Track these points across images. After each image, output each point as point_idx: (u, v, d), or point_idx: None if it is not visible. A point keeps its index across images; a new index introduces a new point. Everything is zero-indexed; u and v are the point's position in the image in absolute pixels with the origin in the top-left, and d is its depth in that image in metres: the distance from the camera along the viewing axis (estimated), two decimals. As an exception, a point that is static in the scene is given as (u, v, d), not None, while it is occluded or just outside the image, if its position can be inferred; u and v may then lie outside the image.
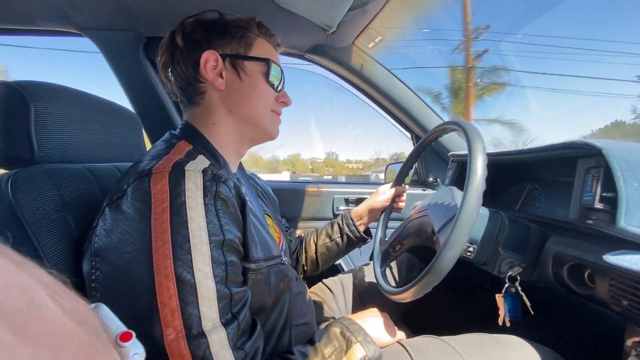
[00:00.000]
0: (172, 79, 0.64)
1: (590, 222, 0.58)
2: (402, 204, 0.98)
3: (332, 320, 0.63)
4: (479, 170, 0.56)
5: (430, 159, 1.42)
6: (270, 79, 0.64)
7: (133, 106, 1.12)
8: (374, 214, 0.97)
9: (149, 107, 1.11)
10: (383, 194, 0.97)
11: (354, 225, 0.95)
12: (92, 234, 0.47)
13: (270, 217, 0.77)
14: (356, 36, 1.06)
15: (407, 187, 0.98)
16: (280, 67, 0.67)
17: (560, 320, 0.83)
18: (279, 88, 0.67)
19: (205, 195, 0.46)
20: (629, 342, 0.59)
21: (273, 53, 0.67)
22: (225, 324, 0.44)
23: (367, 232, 0.98)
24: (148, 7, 0.97)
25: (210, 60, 0.60)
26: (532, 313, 0.69)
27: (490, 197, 0.94)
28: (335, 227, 0.97)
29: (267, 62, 0.63)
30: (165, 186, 0.45)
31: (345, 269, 1.35)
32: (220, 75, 0.61)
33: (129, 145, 0.80)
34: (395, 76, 1.21)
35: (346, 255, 1.40)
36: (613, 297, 0.56)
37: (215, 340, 0.42)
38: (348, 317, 0.65)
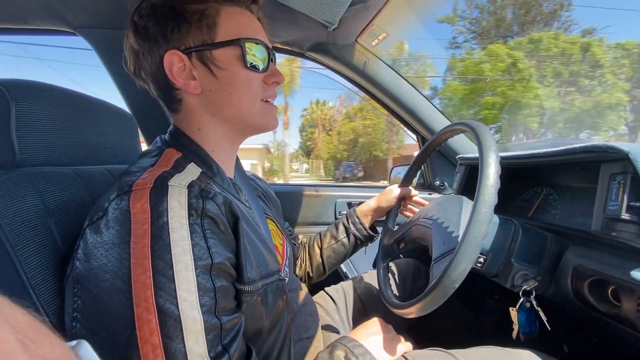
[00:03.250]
0: (148, 84, 0.56)
1: (616, 234, 0.53)
2: (410, 206, 0.95)
3: (334, 335, 0.59)
4: (491, 176, 0.51)
5: (437, 162, 1.36)
6: (249, 62, 0.53)
7: (128, 106, 1.09)
8: (380, 212, 0.93)
9: (144, 107, 1.07)
10: (391, 193, 0.92)
11: (361, 224, 0.91)
12: (74, 257, 0.43)
13: (273, 220, 0.73)
14: (359, 33, 1.02)
15: (415, 191, 0.94)
16: (259, 40, 0.54)
17: (580, 337, 0.77)
18: (265, 67, 0.55)
19: (190, 215, 0.42)
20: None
21: (246, 21, 0.55)
22: (215, 359, 0.39)
23: (373, 228, 0.94)
24: (143, 5, 0.94)
25: (174, 62, 0.51)
26: (550, 329, 0.64)
27: (500, 203, 0.89)
28: (341, 227, 0.92)
29: (238, 43, 0.52)
30: (146, 205, 0.40)
31: (349, 276, 1.30)
32: (192, 76, 0.52)
33: (123, 146, 0.76)
34: (400, 75, 1.17)
35: (349, 262, 1.36)
36: (642, 317, 0.51)
37: None
38: (351, 336, 0.60)
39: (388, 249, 0.88)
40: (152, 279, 0.38)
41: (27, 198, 0.50)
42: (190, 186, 0.44)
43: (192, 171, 0.49)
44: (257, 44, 0.54)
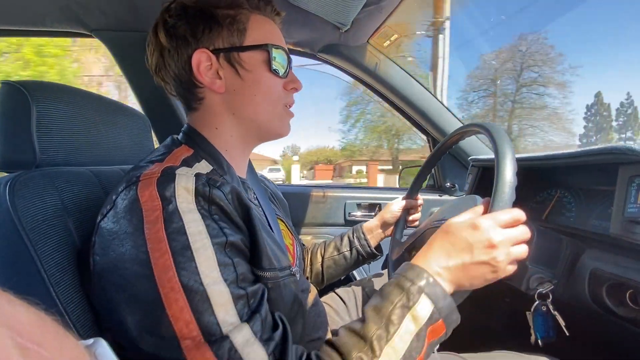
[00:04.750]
0: (169, 82, 0.58)
1: (636, 236, 0.52)
2: (416, 216, 0.91)
3: None
4: (508, 178, 0.51)
5: (447, 163, 1.35)
6: (273, 67, 0.56)
7: (142, 107, 1.11)
8: (385, 228, 0.91)
9: (158, 108, 1.09)
10: (395, 206, 0.90)
11: (365, 239, 0.89)
12: (92, 253, 0.44)
13: (283, 222, 0.73)
14: (371, 35, 1.02)
15: (421, 199, 0.91)
16: (282, 47, 0.58)
17: (599, 342, 0.76)
18: (285, 73, 0.59)
19: (197, 201, 0.43)
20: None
21: (271, 29, 0.59)
22: (248, 320, 0.40)
23: (378, 248, 0.92)
24: (158, 8, 0.95)
25: (202, 61, 0.54)
26: (567, 334, 0.63)
27: (514, 205, 0.88)
28: (345, 239, 0.92)
29: (266, 48, 0.55)
30: (154, 192, 0.41)
31: (358, 278, 1.30)
32: (218, 75, 0.55)
33: (137, 147, 0.78)
34: (412, 76, 1.16)
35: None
36: (662, 322, 0.50)
37: (240, 340, 0.39)
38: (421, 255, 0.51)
39: (399, 260, 0.84)
40: (172, 260, 0.39)
41: (47, 197, 0.51)
42: (197, 175, 0.45)
43: (202, 167, 0.51)
44: (281, 51, 0.57)
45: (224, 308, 0.39)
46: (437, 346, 0.48)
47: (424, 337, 0.43)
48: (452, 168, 1.34)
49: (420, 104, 1.19)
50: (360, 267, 1.34)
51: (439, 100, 1.21)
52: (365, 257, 0.90)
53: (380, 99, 1.25)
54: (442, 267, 0.47)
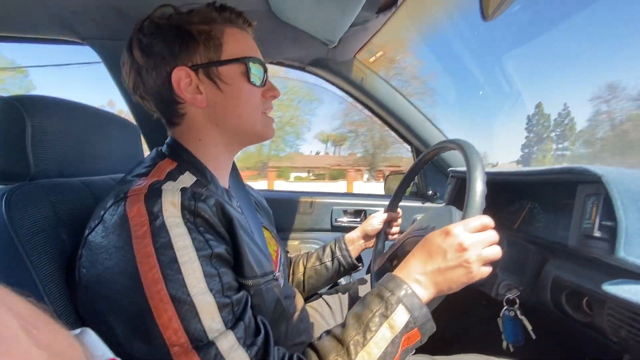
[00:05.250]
0: (148, 99, 0.59)
1: (590, 250, 0.58)
2: (396, 229, 0.94)
3: None
4: (478, 188, 0.55)
5: (430, 172, 1.41)
6: (251, 78, 0.58)
7: (134, 116, 1.12)
8: (367, 239, 0.94)
9: (149, 117, 1.09)
10: (376, 219, 0.93)
11: (346, 250, 0.91)
12: (79, 265, 0.46)
13: (267, 229, 0.75)
14: (357, 50, 1.06)
15: (400, 212, 0.95)
16: (258, 58, 0.60)
17: (562, 346, 0.82)
18: (263, 82, 0.61)
19: (183, 215, 0.45)
20: (627, 373, 0.58)
21: (245, 40, 0.60)
22: (232, 328, 0.43)
23: (359, 259, 0.94)
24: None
25: (182, 78, 0.55)
26: (534, 337, 0.69)
27: (488, 215, 0.93)
28: (327, 250, 0.94)
29: (243, 61, 0.57)
30: (142, 209, 0.43)
31: (344, 282, 1.34)
32: (198, 90, 0.56)
33: (127, 156, 0.80)
34: (397, 90, 1.21)
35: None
36: (611, 326, 0.56)
37: (225, 346, 0.41)
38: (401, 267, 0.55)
39: (381, 270, 0.87)
40: (160, 273, 0.41)
41: (42, 209, 0.53)
42: (183, 190, 0.47)
43: (186, 180, 0.52)
44: (256, 62, 0.59)
45: (210, 316, 0.42)
46: (413, 351, 0.51)
47: (399, 344, 0.47)
48: (434, 177, 1.40)
49: (404, 116, 1.25)
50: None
51: (422, 112, 1.27)
52: (346, 267, 0.92)
53: (367, 111, 1.30)
54: (420, 274, 0.51)
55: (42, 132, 0.57)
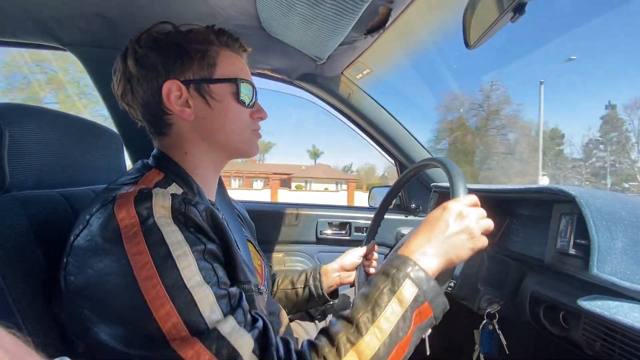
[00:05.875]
0: (135, 107, 0.60)
1: (565, 266, 0.61)
2: (374, 263, 0.91)
3: None
4: (462, 182, 0.58)
5: (414, 186, 1.44)
6: (241, 98, 0.60)
7: (116, 125, 1.10)
8: (345, 273, 0.91)
9: (132, 126, 1.07)
10: (354, 253, 0.91)
11: (319, 281, 0.88)
12: (65, 274, 0.44)
13: (251, 243, 0.75)
14: (345, 67, 1.09)
15: (377, 246, 0.92)
16: (249, 81, 0.62)
17: (539, 358, 0.84)
18: (252, 104, 0.63)
19: (174, 217, 0.45)
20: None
21: (239, 64, 0.63)
22: (232, 313, 0.43)
23: (334, 293, 0.91)
24: (137, 27, 0.96)
25: (173, 90, 0.56)
26: (507, 352, 0.71)
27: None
28: (302, 276, 0.91)
29: (235, 82, 0.59)
30: (132, 210, 0.43)
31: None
32: (187, 104, 0.57)
33: (108, 166, 0.77)
34: (382, 107, 1.25)
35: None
36: (586, 340, 0.58)
37: (227, 329, 0.41)
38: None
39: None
40: (154, 269, 0.40)
41: (16, 224, 0.50)
42: (173, 195, 0.47)
43: (173, 190, 0.52)
44: (248, 84, 0.61)
45: (210, 307, 0.41)
46: (429, 331, 0.52)
47: (410, 319, 0.47)
48: (417, 190, 1.44)
49: (389, 132, 1.28)
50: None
51: (407, 129, 1.30)
52: (316, 298, 0.88)
53: (353, 125, 1.32)
54: (425, 246, 0.52)
55: (21, 142, 0.55)
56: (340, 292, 1.04)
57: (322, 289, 0.87)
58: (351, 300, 0.86)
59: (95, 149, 0.73)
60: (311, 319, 0.97)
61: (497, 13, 0.45)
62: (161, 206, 0.45)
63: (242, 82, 0.60)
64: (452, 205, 0.55)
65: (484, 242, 0.54)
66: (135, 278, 0.40)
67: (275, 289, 0.91)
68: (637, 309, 0.52)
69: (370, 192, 1.68)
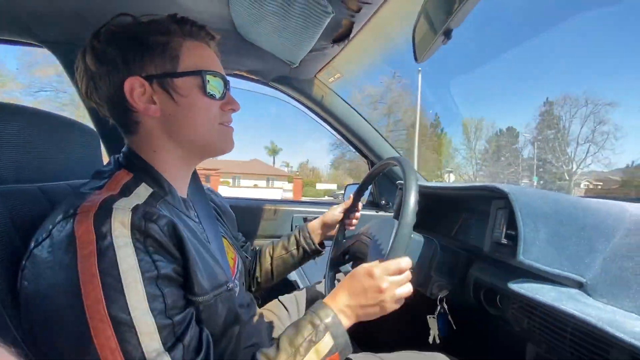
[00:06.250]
0: (102, 105, 0.59)
1: (499, 254, 0.69)
2: (354, 222, 1.03)
3: None
4: (402, 239, 0.63)
5: (383, 184, 1.53)
6: (208, 91, 0.57)
7: (93, 122, 1.11)
8: (327, 228, 1.01)
9: (109, 123, 1.09)
10: (335, 209, 1.02)
11: (310, 238, 0.98)
12: (21, 277, 0.45)
13: (226, 238, 0.77)
14: (317, 71, 1.15)
15: (360, 205, 1.04)
16: (217, 72, 0.59)
17: (482, 337, 0.94)
18: (222, 96, 0.60)
19: (133, 234, 0.44)
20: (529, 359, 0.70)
21: (205, 54, 0.60)
22: (170, 349, 0.43)
23: (322, 244, 1.02)
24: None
25: (135, 87, 0.54)
26: (455, 328, 0.79)
27: (431, 223, 1.05)
28: (292, 239, 1.00)
29: (199, 74, 0.57)
30: (90, 227, 0.43)
31: (301, 286, 1.40)
32: (152, 100, 0.55)
33: (85, 162, 0.80)
34: (354, 108, 1.32)
35: (302, 272, 1.46)
36: (515, 319, 0.67)
37: None
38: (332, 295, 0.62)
39: (336, 259, 0.98)
40: (102, 293, 0.41)
41: None
42: (134, 209, 0.46)
43: (140, 194, 0.52)
44: (215, 75, 0.59)
45: (150, 337, 0.42)
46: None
47: None
48: (387, 188, 1.52)
49: (360, 132, 1.36)
50: (304, 275, 1.45)
51: (376, 130, 1.38)
52: (310, 253, 0.98)
53: (326, 125, 1.39)
54: (345, 307, 0.59)
55: (1, 138, 0.57)
56: (310, 285, 1.11)
57: (314, 244, 0.98)
58: (324, 290, 0.93)
59: (74, 145, 0.76)
60: (284, 307, 1.02)
61: (433, 35, 0.52)
62: (120, 222, 0.44)
63: (208, 74, 0.57)
64: (377, 276, 0.59)
65: (393, 309, 0.61)
66: (83, 301, 0.40)
67: (269, 259, 0.99)
68: (554, 290, 0.61)
69: (345, 188, 1.76)
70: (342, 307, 0.59)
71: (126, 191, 0.51)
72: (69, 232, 0.43)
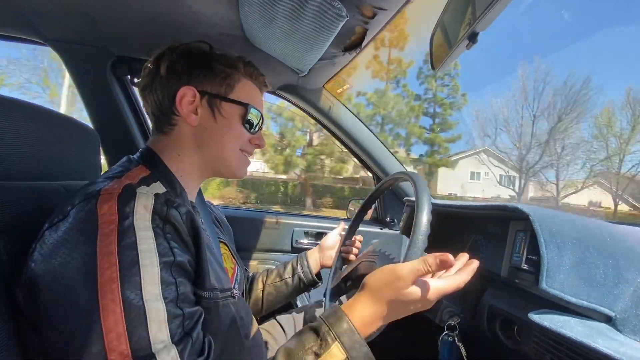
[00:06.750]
0: (149, 101, 0.64)
1: (518, 281, 0.64)
2: (355, 250, 0.94)
3: None
4: (422, 227, 0.60)
5: (389, 200, 1.48)
6: (246, 122, 0.65)
7: (93, 123, 1.08)
8: (324, 258, 0.97)
9: (110, 125, 1.07)
10: (329, 239, 0.97)
11: (308, 267, 0.94)
12: (28, 260, 0.45)
13: (225, 245, 0.76)
14: (326, 81, 1.13)
15: (359, 237, 0.96)
16: (260, 110, 0.68)
17: None
18: (255, 131, 0.68)
19: (153, 219, 0.45)
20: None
21: (256, 95, 0.69)
22: (177, 342, 0.42)
23: (318, 276, 0.97)
24: (121, 26, 0.96)
25: (187, 95, 0.61)
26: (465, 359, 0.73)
27: (439, 245, 0.99)
28: (289, 267, 0.96)
29: (246, 106, 0.65)
30: (114, 207, 0.44)
31: (299, 305, 1.33)
32: (195, 111, 0.62)
33: (83, 162, 0.76)
34: (361, 121, 1.29)
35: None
36: (536, 353, 0.61)
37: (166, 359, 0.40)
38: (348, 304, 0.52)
39: (336, 289, 0.89)
40: (118, 272, 0.41)
41: None
42: (156, 195, 0.48)
43: (158, 187, 0.54)
44: (257, 113, 0.67)
45: (158, 325, 0.41)
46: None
47: None
48: (392, 204, 1.47)
49: (367, 145, 1.32)
50: (303, 295, 1.38)
51: (384, 143, 1.35)
52: (306, 283, 0.94)
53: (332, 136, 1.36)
54: (367, 307, 0.49)
55: None
56: (313, 302, 1.05)
57: (311, 274, 0.94)
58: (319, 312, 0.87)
59: (72, 144, 0.73)
60: (280, 326, 0.97)
61: (455, 40, 0.49)
62: (143, 206, 0.46)
63: (252, 109, 0.65)
64: (405, 271, 0.49)
65: (432, 303, 0.52)
66: (97, 279, 0.40)
67: (261, 286, 0.94)
68: (581, 324, 0.55)
69: (349, 204, 1.71)
70: (361, 312, 0.49)
71: (144, 183, 0.52)
72: (91, 210, 0.44)
